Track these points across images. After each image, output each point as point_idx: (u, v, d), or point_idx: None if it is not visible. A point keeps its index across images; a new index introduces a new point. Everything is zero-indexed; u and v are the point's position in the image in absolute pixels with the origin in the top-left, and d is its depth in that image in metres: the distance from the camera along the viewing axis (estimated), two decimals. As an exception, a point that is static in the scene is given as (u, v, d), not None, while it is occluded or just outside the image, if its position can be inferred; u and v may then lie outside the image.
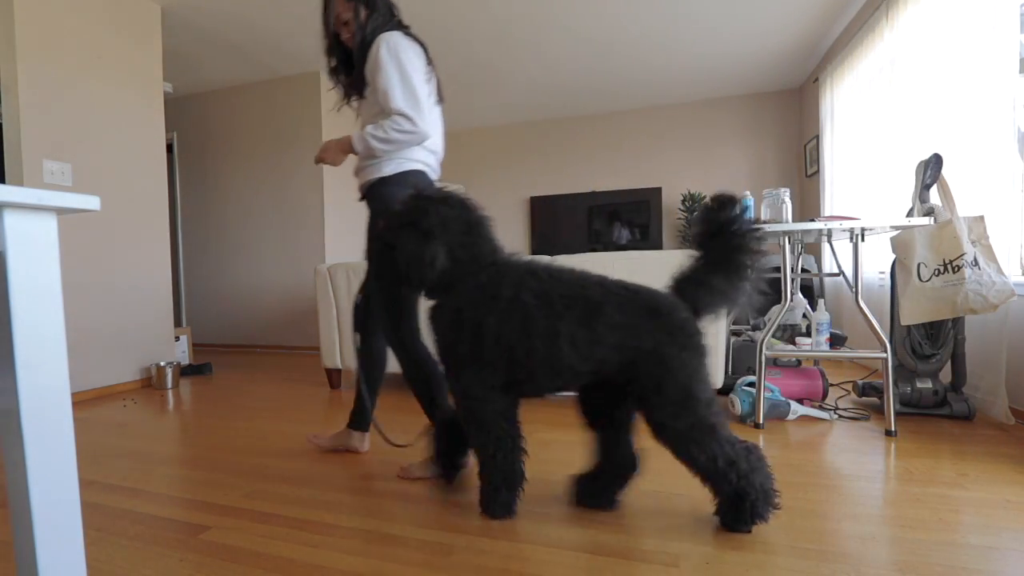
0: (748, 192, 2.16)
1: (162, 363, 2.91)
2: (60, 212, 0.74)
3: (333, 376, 2.81)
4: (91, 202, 0.74)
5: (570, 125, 5.44)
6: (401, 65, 1.39)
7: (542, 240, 5.42)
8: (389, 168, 1.46)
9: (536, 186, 5.58)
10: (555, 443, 1.78)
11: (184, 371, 3.22)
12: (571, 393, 2.47)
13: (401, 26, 1.51)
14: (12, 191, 0.65)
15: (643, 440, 1.80)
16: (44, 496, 0.71)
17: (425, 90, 1.44)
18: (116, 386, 2.83)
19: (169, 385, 2.91)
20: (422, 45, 1.51)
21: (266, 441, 1.88)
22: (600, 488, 1.27)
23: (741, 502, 1.09)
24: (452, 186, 6.19)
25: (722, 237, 1.13)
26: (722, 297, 1.13)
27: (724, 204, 1.12)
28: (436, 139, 1.56)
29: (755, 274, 1.13)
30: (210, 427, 2.08)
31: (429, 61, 1.53)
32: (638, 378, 1.10)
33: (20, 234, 0.70)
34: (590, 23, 3.47)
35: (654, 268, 2.13)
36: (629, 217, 5.10)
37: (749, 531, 1.13)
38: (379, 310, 1.50)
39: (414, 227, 1.19)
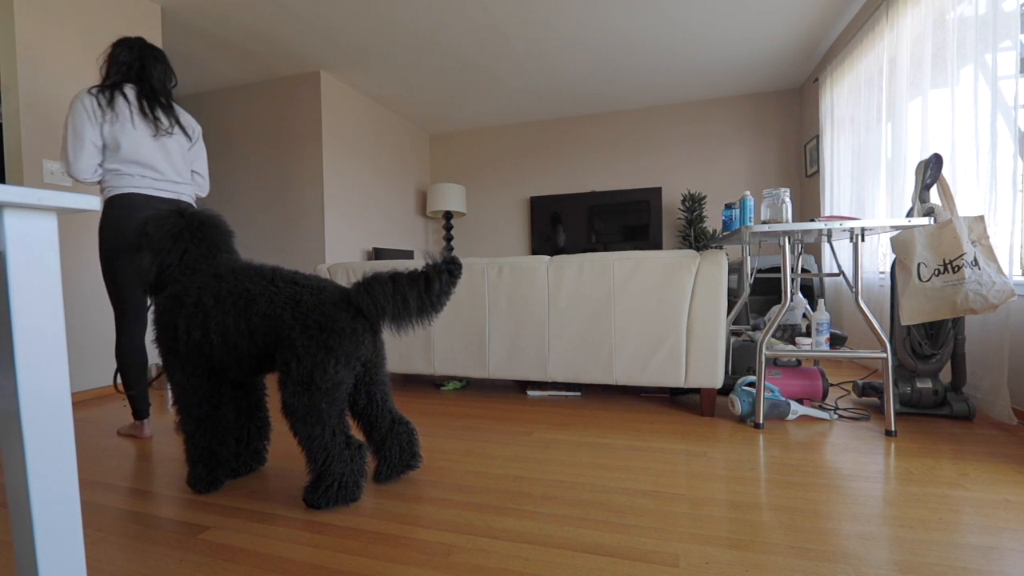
0: (748, 192, 2.16)
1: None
2: (60, 212, 0.74)
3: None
4: (91, 202, 0.74)
5: (570, 125, 5.44)
6: (70, 122, 1.77)
7: (541, 240, 5.42)
8: (104, 195, 1.89)
9: (536, 186, 5.58)
10: (555, 443, 1.78)
11: (184, 371, 3.22)
12: (572, 393, 2.47)
13: (125, 78, 1.87)
14: (12, 191, 0.65)
15: (634, 442, 1.79)
16: (44, 496, 0.71)
17: (90, 137, 1.78)
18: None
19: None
20: (123, 93, 1.84)
21: (266, 441, 1.88)
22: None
23: (318, 484, 1.27)
24: (450, 186, 6.06)
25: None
26: (375, 305, 1.27)
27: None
28: (150, 161, 1.88)
29: (401, 288, 1.28)
30: (210, 427, 2.08)
31: (142, 100, 1.89)
32: (280, 358, 1.28)
33: (20, 234, 0.70)
34: (590, 24, 3.47)
35: (654, 268, 2.13)
36: (629, 217, 5.10)
37: (316, 508, 1.28)
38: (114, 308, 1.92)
39: (135, 242, 1.45)
